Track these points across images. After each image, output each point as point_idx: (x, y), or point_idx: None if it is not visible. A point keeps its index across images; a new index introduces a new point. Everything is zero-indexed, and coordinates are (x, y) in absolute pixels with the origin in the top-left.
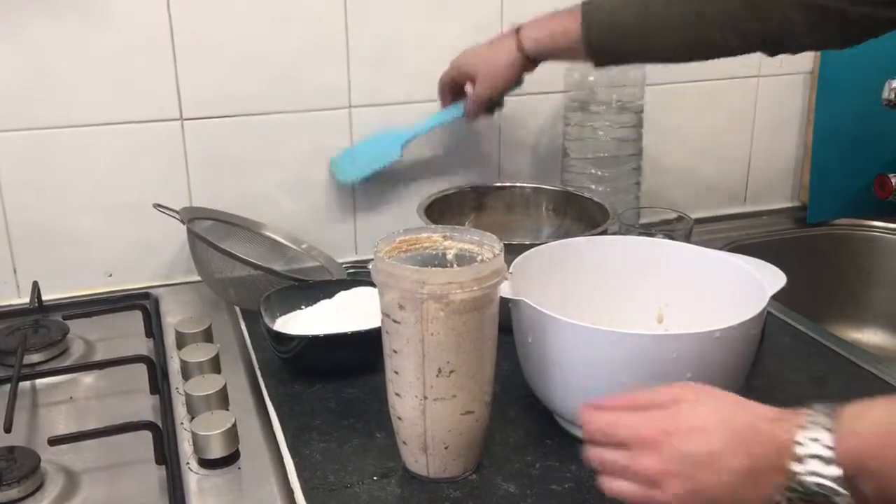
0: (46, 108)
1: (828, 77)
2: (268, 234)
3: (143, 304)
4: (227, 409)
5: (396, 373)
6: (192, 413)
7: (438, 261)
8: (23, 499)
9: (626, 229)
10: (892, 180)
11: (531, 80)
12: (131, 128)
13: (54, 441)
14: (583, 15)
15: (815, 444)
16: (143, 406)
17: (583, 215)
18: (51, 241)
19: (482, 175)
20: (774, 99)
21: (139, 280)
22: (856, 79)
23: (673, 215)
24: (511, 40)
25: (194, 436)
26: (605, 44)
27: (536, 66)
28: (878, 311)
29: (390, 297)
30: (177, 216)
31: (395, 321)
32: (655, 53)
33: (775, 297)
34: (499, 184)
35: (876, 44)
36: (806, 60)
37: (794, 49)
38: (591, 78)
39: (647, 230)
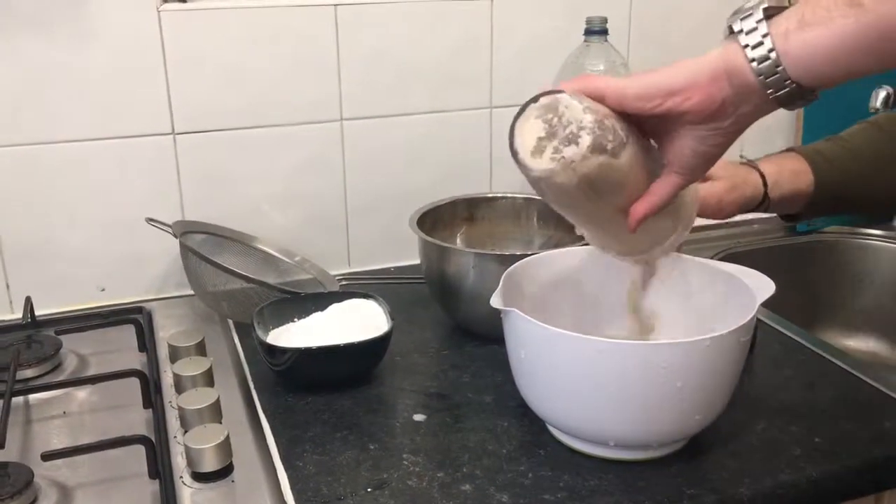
0: (38, 123)
1: None
2: (260, 247)
3: (135, 318)
4: (221, 423)
5: None
6: (186, 427)
7: None
8: None
9: None
10: None
11: (522, 92)
12: (123, 142)
13: (47, 456)
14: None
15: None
16: (137, 420)
17: (574, 226)
18: (43, 257)
19: (473, 186)
20: None
21: (132, 294)
22: (844, 87)
23: None
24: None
25: (187, 449)
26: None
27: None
28: (867, 317)
29: None
30: (169, 230)
31: None
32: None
33: (765, 305)
34: (490, 195)
35: None
36: None
37: None
38: None
39: None
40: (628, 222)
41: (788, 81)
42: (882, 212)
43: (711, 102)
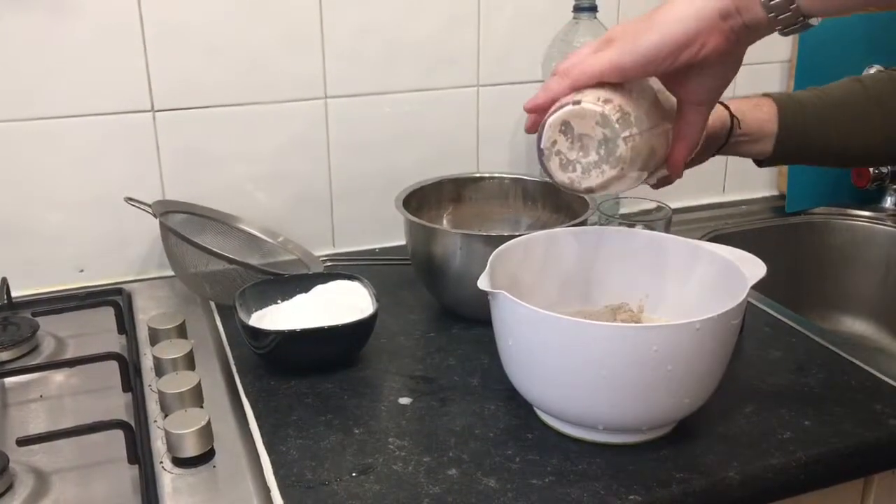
0: (13, 99)
1: (805, 65)
2: (243, 227)
3: (115, 299)
4: (202, 407)
5: None
6: (166, 411)
7: None
8: None
9: (606, 220)
10: (870, 169)
11: (510, 70)
12: (102, 119)
13: (23, 441)
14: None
15: None
16: (116, 404)
17: (562, 206)
18: (20, 237)
19: (460, 166)
20: (752, 88)
21: (111, 275)
22: (833, 67)
23: (652, 205)
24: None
25: (168, 434)
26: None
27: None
28: (856, 299)
29: None
30: (149, 210)
31: None
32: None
33: (755, 287)
34: (477, 175)
35: (853, 31)
36: (784, 49)
37: None
38: None
39: (627, 220)
40: (671, 171)
41: (801, 18)
42: (850, 167)
43: (728, 43)
